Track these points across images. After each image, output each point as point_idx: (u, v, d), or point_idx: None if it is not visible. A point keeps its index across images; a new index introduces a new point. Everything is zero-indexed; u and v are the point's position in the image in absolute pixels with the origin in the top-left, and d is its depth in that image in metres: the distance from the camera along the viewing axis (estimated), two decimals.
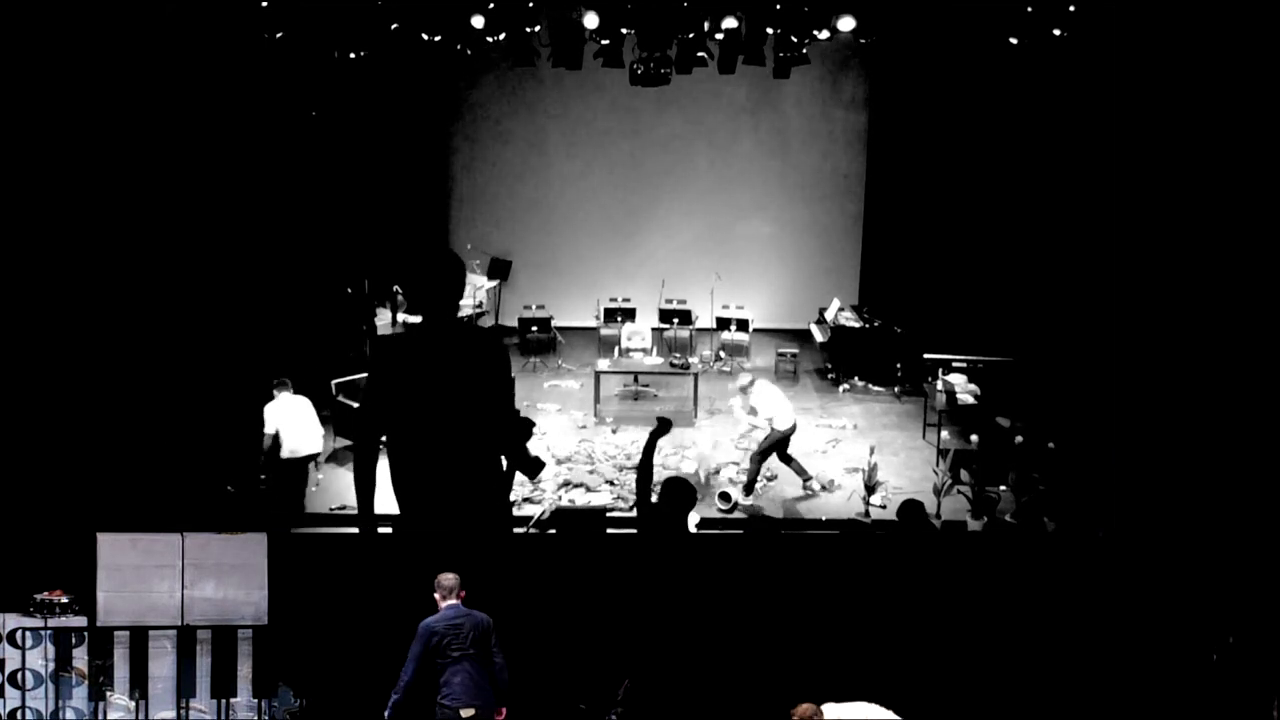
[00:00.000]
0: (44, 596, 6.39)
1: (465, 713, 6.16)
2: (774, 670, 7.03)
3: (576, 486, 10.98)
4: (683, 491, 6.70)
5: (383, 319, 14.14)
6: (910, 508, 7.88)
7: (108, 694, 6.35)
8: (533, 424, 6.49)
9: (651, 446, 6.89)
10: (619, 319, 14.75)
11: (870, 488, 10.70)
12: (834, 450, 12.11)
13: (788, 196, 16.22)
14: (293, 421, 10.02)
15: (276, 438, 9.96)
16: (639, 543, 6.73)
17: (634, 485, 10.74)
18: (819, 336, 14.91)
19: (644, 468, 6.88)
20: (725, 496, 10.71)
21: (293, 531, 9.33)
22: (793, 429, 10.95)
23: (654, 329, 14.70)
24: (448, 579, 6.34)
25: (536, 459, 6.54)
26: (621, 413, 13.08)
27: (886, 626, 7.14)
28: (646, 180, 16.17)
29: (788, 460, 11.10)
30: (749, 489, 10.92)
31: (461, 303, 14.49)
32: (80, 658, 6.34)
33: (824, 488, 11.13)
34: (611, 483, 11.08)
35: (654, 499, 6.82)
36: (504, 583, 6.69)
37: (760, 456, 10.92)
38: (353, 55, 12.53)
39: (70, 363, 9.71)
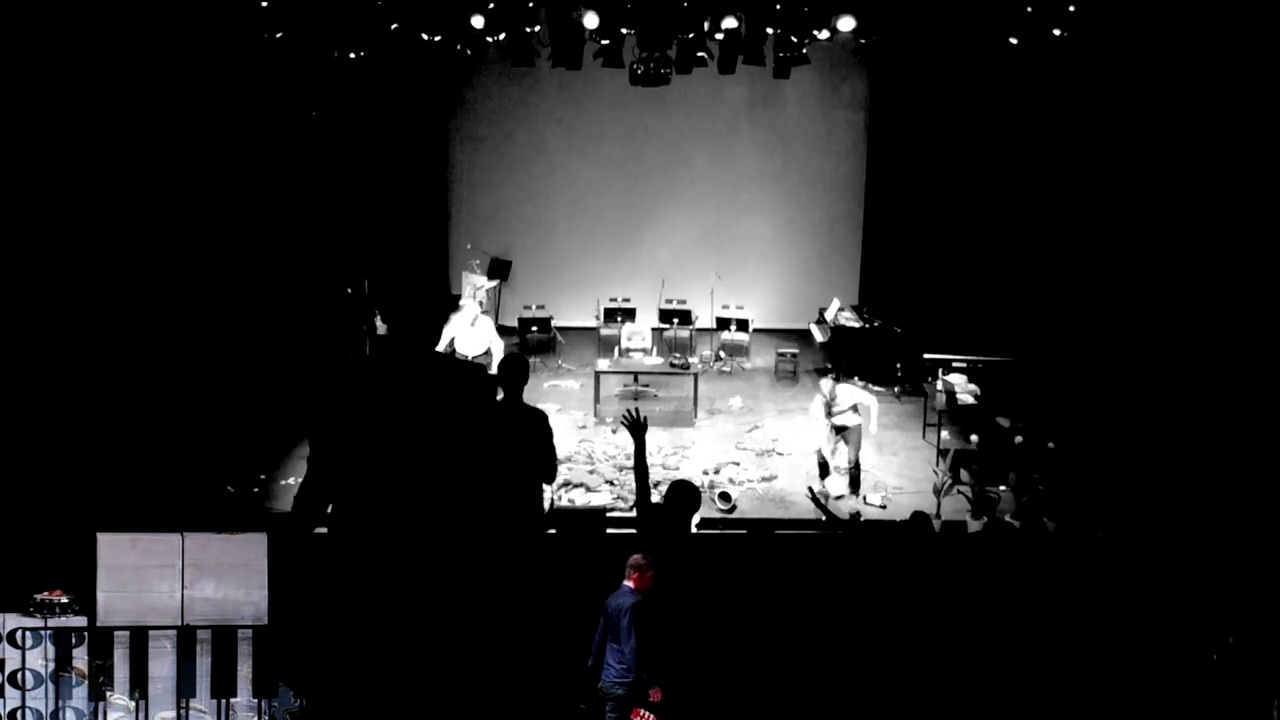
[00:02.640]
0: (44, 596, 6.38)
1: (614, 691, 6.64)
2: (773, 670, 7.03)
3: (576, 486, 10.98)
4: (687, 494, 6.74)
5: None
6: (918, 519, 7.95)
7: (108, 694, 6.34)
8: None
9: (640, 448, 6.93)
10: (619, 319, 14.75)
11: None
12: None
13: (788, 196, 16.23)
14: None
15: None
16: (639, 542, 6.76)
17: (633, 485, 10.79)
18: (819, 336, 14.91)
19: (640, 469, 6.92)
20: (725, 496, 10.71)
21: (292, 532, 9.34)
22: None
23: (654, 329, 14.71)
24: (631, 559, 6.64)
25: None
26: (621, 413, 13.04)
27: (886, 626, 7.14)
28: (646, 180, 16.18)
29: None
30: (855, 486, 10.95)
31: (462, 302, 14.63)
32: (80, 658, 6.33)
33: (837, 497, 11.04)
34: (611, 483, 11.09)
35: (655, 499, 6.86)
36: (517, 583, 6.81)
37: (857, 449, 10.97)
38: (353, 55, 12.54)
39: (70, 363, 9.70)
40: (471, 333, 12.70)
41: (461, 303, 14.45)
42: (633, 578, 6.66)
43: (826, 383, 11.00)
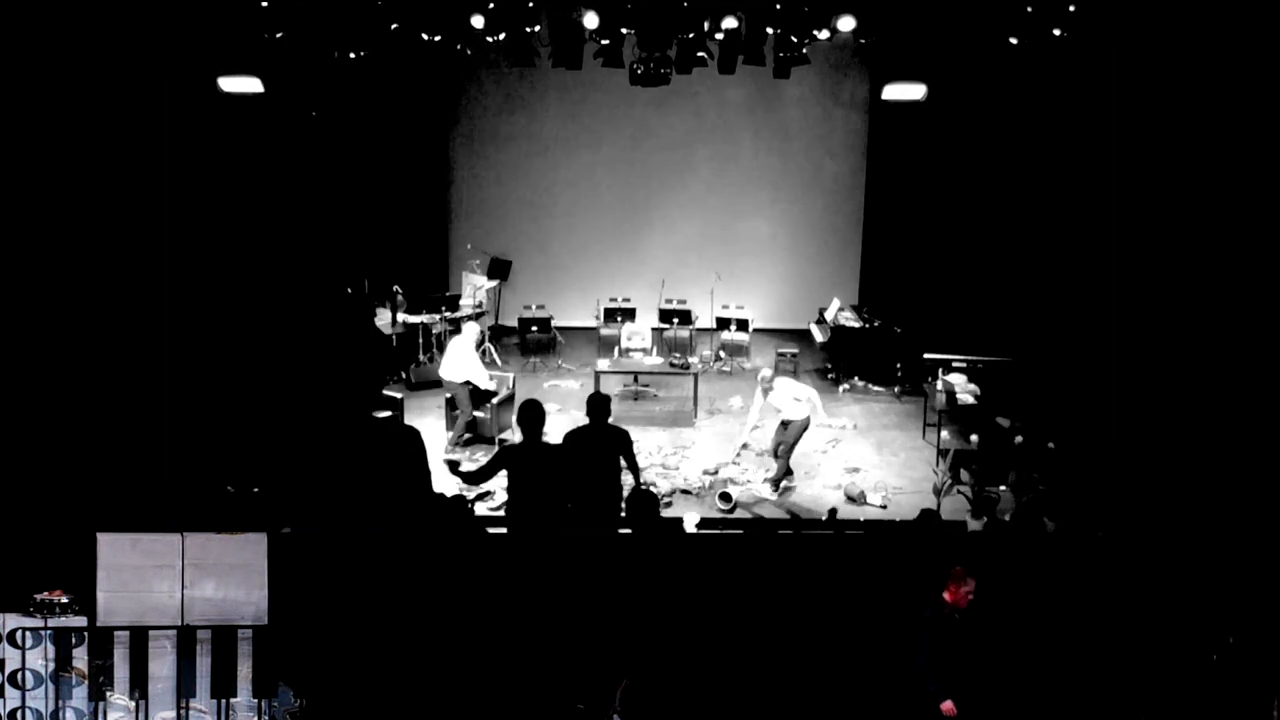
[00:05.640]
0: (44, 596, 6.39)
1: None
2: (771, 670, 7.03)
3: None
4: (645, 503, 6.77)
5: (383, 319, 14.14)
6: (926, 517, 7.98)
7: (108, 694, 6.35)
8: None
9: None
10: (619, 319, 14.75)
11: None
12: (834, 450, 12.10)
13: (788, 196, 16.23)
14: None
15: None
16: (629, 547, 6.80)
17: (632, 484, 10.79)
18: (819, 336, 14.91)
19: None
20: (725, 497, 10.70)
21: (292, 532, 9.34)
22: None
23: (654, 329, 14.71)
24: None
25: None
26: (621, 413, 13.06)
27: (885, 626, 7.14)
28: (646, 180, 16.18)
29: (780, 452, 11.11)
30: (777, 485, 10.94)
31: (462, 302, 14.62)
32: (80, 658, 6.34)
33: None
34: None
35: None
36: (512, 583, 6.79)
37: (789, 451, 10.95)
38: (353, 55, 12.53)
39: (70, 363, 9.70)
40: (476, 360, 12.23)
41: (465, 303, 14.45)
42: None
43: (767, 371, 11.35)
